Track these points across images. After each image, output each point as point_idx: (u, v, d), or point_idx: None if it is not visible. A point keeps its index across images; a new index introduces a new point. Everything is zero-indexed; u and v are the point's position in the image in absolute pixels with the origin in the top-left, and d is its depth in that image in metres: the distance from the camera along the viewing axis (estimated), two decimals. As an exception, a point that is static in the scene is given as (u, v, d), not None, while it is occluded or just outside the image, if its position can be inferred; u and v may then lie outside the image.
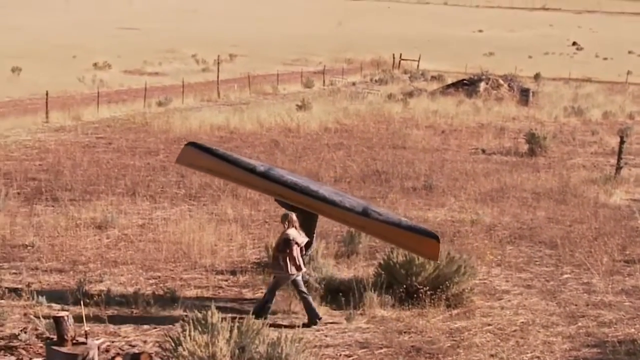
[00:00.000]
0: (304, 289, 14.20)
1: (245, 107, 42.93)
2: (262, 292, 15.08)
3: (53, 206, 21.15)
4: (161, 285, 15.56)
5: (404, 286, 15.07)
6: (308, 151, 30.77)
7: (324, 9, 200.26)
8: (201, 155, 15.11)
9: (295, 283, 14.10)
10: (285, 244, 13.88)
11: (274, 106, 43.59)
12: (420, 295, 14.77)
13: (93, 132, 34.27)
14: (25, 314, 13.75)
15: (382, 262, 15.86)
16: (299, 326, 13.29)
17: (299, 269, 13.97)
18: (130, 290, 15.06)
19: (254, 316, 12.13)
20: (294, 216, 14.07)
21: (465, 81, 55.04)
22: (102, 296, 14.42)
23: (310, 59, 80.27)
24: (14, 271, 16.04)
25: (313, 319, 14.08)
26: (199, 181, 24.35)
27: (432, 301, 14.70)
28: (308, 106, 41.34)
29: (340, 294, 14.78)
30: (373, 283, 15.19)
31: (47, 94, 38.03)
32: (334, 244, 18.17)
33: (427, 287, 14.80)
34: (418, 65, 77.67)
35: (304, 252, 14.26)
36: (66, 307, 13.90)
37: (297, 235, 13.98)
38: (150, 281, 15.88)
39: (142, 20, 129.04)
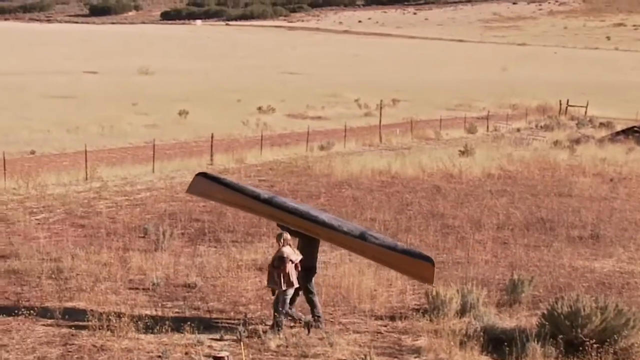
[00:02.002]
0: (286, 307, 14.98)
1: (407, 152, 42.77)
2: (422, 339, 14.81)
3: (215, 247, 21.45)
4: (320, 329, 15.42)
5: (569, 338, 14.47)
6: (470, 197, 30.26)
7: (488, 54, 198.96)
8: (210, 184, 16.10)
9: (282, 299, 14.93)
10: (279, 261, 14.79)
11: (436, 151, 43.22)
12: (586, 348, 14.11)
13: (256, 174, 34.75)
14: (186, 353, 13.88)
15: (545, 312, 15.31)
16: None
17: (291, 285, 14.87)
18: (289, 332, 14.99)
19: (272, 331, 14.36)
20: (288, 235, 15.06)
21: (635, 128, 53.35)
22: (261, 337, 14.44)
23: (474, 105, 79.54)
24: (176, 310, 16.25)
25: (277, 330, 14.84)
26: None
27: (599, 355, 14.01)
28: (471, 152, 40.81)
29: (505, 344, 14.32)
30: (536, 334, 14.64)
31: (212, 137, 38.88)
32: (495, 292, 17.70)
33: (593, 340, 14.14)
34: (586, 112, 75.86)
35: (298, 269, 15.04)
36: (226, 347, 13.96)
37: (292, 253, 14.93)
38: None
39: (305, 65, 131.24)
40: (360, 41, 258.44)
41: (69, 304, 16.29)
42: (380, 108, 59.01)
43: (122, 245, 21.07)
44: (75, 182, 31.25)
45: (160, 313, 15.97)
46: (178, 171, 34.59)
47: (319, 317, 15.59)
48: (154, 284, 17.68)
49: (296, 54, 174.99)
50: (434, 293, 16.28)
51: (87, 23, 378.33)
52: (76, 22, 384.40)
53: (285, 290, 14.90)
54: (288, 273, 14.80)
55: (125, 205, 27.27)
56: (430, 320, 15.74)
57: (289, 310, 15.22)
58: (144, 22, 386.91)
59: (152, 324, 14.90)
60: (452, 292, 16.31)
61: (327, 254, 21.13)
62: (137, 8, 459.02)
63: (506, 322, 16.08)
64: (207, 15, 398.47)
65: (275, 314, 15.02)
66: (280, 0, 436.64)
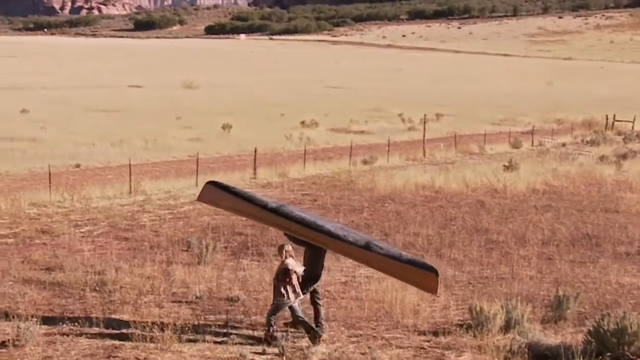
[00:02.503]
0: (300, 313, 15.42)
1: (451, 167, 42.56)
2: (465, 355, 14.67)
3: (258, 261, 21.44)
4: (362, 343, 15.35)
5: (615, 355, 14.26)
6: (515, 212, 29.99)
7: (534, 68, 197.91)
8: (220, 193, 16.28)
9: (292, 309, 15.34)
10: (284, 273, 15.12)
11: (480, 166, 42.96)
12: (633, 366, 13.91)
13: (299, 188, 34.75)
14: (227, 367, 13.86)
15: (591, 329, 15.09)
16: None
17: (297, 295, 15.22)
18: (332, 347, 14.93)
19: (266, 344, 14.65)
20: (289, 247, 15.49)
21: (683, 143, 52.71)
22: (304, 351, 14.40)
23: (519, 119, 79.00)
24: (219, 323, 16.24)
25: (315, 333, 15.22)
26: (403, 240, 24.14)
27: (647, 373, 13.80)
28: (515, 167, 40.50)
29: (548, 362, 14.15)
30: (582, 351, 14.43)
31: (255, 151, 38.97)
32: (540, 308, 17.49)
33: (641, 358, 13.95)
34: (633, 127, 74.98)
35: (300, 280, 15.36)
36: (268, 361, 13.95)
37: (295, 264, 15.27)
38: (352, 339, 15.69)
39: (348, 79, 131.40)
40: (404, 55, 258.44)
41: (113, 317, 16.35)
42: (424, 122, 58.81)
43: (166, 259, 21.14)
44: (120, 196, 31.44)
45: (203, 326, 15.97)
46: (222, 185, 34.60)
47: (306, 323, 15.72)
48: (197, 297, 17.71)
49: (340, 68, 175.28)
50: (478, 308, 16.13)
51: (132, 37, 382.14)
52: (121, 37, 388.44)
53: (289, 301, 15.17)
54: (294, 284, 15.12)
55: (168, 218, 27.39)
56: (474, 336, 15.58)
57: (271, 320, 15.35)
58: (188, 37, 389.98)
59: (195, 337, 14.93)
60: (496, 308, 16.15)
61: (370, 269, 21.00)
62: (181, 22, 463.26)
63: (551, 338, 15.87)
64: (250, 30, 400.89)
65: (298, 323, 15.36)
66: (324, 15, 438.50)
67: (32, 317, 15.58)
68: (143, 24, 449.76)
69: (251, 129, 57.91)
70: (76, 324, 15.57)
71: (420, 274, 14.57)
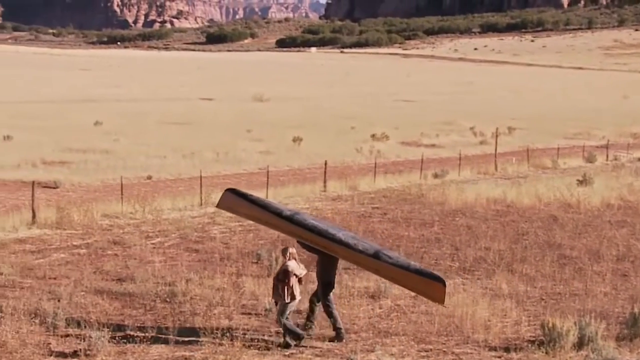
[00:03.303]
0: (288, 316, 15.69)
1: (523, 181, 42.06)
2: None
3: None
4: (432, 358, 15.18)
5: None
6: (588, 228, 29.48)
7: (609, 81, 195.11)
8: (238, 200, 16.76)
9: (282, 310, 15.67)
10: (284, 274, 15.55)
11: (553, 180, 42.36)
12: None
13: (369, 202, 34.62)
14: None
15: (669, 348, 14.73)
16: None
17: (294, 298, 15.61)
18: (402, 362, 14.80)
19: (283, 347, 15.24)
20: (293, 250, 15.88)
21: None
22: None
23: (593, 133, 77.83)
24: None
25: (295, 338, 15.55)
26: (474, 254, 23.90)
27: None
28: (589, 181, 39.85)
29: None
30: (659, 370, 14.09)
31: (325, 164, 38.94)
32: (615, 325, 17.13)
33: None
34: None
35: (301, 283, 16.00)
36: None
37: (296, 267, 15.67)
38: (422, 354, 15.54)
39: (419, 92, 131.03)
40: (476, 68, 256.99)
41: (183, 328, 16.41)
42: (496, 136, 58.28)
43: (236, 271, 21.20)
44: (190, 207, 31.66)
45: (273, 338, 15.96)
46: (291, 197, 34.74)
47: (339, 329, 16.05)
48: (266, 310, 17.69)
49: (410, 81, 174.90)
50: (550, 325, 15.85)
51: (204, 51, 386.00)
52: (193, 50, 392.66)
53: (288, 303, 15.55)
54: (292, 286, 15.50)
55: (238, 230, 27.49)
56: (546, 353, 15.34)
57: (287, 322, 15.63)
58: (259, 50, 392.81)
59: (265, 349, 14.90)
60: (569, 325, 15.86)
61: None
62: (252, 36, 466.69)
63: (626, 356, 15.54)
64: (321, 43, 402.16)
65: (283, 326, 15.68)
66: (396, 28, 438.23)
67: (103, 327, 15.73)
68: (215, 37, 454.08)
69: (321, 142, 57.99)
70: (147, 334, 15.67)
71: (428, 284, 14.90)
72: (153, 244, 24.93)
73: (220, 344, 14.76)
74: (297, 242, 16.46)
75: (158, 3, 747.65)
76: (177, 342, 15.47)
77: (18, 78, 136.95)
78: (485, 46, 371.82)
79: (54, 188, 36.84)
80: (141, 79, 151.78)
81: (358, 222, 29.06)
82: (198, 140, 56.67)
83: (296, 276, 15.63)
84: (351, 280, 20.33)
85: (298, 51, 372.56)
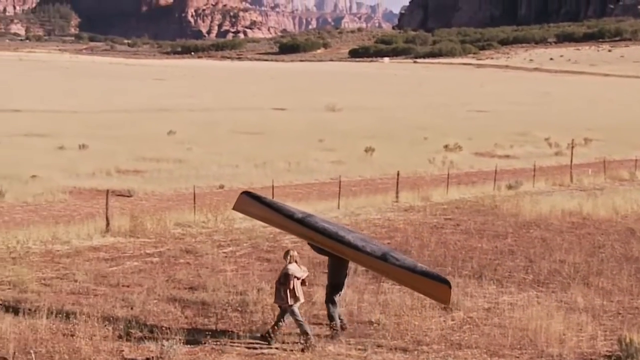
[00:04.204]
0: (300, 317, 16.07)
1: (600, 193, 41.33)
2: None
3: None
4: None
5: None
6: (667, 241, 28.82)
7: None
8: (253, 203, 17.34)
9: (292, 312, 15.99)
10: (285, 277, 15.90)
11: (631, 193, 41.51)
12: None
13: (441, 213, 34.34)
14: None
15: None
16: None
17: (297, 300, 15.95)
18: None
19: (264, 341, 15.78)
20: (295, 253, 16.31)
21: None
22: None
23: (673, 144, 76.20)
24: (359, 347, 16.14)
25: (308, 339, 15.78)
26: (548, 267, 23.53)
27: None
28: (668, 194, 39.00)
29: None
30: None
31: (397, 174, 38.74)
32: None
33: None
34: None
35: (306, 284, 16.50)
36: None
37: (297, 270, 16.03)
38: (495, 368, 15.30)
39: (493, 103, 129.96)
40: (552, 79, 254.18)
41: (254, 337, 16.40)
42: (572, 147, 57.38)
43: (307, 280, 21.11)
44: (263, 217, 31.66)
45: (343, 350, 15.87)
46: (363, 208, 34.62)
47: (336, 331, 16.52)
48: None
49: (484, 91, 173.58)
50: (628, 340, 15.50)
51: (277, 61, 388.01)
52: (266, 60, 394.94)
53: (291, 305, 15.89)
54: (294, 289, 15.88)
55: (310, 240, 27.39)
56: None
57: (301, 322, 16.11)
58: (332, 60, 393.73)
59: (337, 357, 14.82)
60: (648, 340, 15.47)
61: (514, 295, 20.56)
62: (325, 46, 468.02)
63: None
64: (394, 53, 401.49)
65: (299, 326, 16.08)
66: (470, 38, 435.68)
67: (175, 335, 15.80)
68: (288, 47, 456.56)
69: (394, 152, 57.76)
70: (218, 342, 15.70)
71: (433, 285, 15.27)
72: (225, 253, 25.01)
73: (292, 354, 14.70)
74: (308, 243, 16.92)
75: (232, 13, 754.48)
76: (248, 351, 15.47)
77: (94, 88, 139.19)
78: (562, 56, 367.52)
79: (128, 196, 37.26)
80: (214, 88, 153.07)
81: (430, 234, 28.83)
82: (270, 150, 56.88)
83: (297, 278, 15.96)
84: (423, 292, 20.11)
85: (371, 61, 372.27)
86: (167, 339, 15.41)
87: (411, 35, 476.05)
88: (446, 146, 63.17)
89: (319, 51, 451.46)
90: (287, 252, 16.39)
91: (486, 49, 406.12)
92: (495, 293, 20.84)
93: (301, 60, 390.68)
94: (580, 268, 23.55)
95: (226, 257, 24.41)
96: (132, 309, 18.24)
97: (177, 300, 19.16)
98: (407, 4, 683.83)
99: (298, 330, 16.16)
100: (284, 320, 16.25)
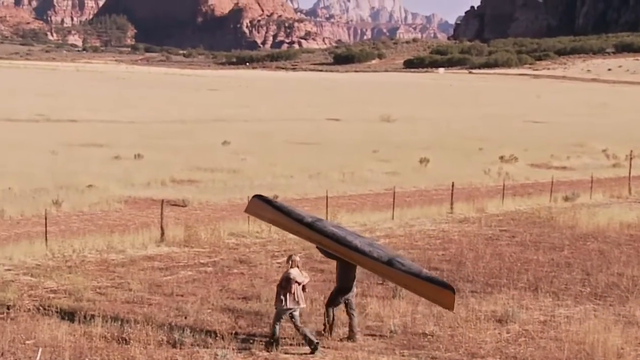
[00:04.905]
0: (299, 322, 16.32)
1: (658, 205, 40.69)
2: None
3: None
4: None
5: None
6: None
7: None
8: (264, 206, 17.73)
9: (292, 316, 16.28)
10: (286, 281, 16.18)
11: (691, 205, 40.83)
12: None
13: (497, 224, 34.04)
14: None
15: None
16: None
17: (297, 304, 16.23)
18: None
19: (266, 348, 15.83)
20: (297, 257, 16.67)
21: None
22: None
23: None
24: (413, 359, 16.02)
25: (312, 345, 16.03)
26: (606, 280, 23.19)
27: None
28: None
29: None
30: None
31: (452, 185, 38.50)
32: None
33: None
34: None
35: (306, 290, 16.67)
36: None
37: (298, 274, 16.29)
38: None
39: (550, 114, 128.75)
40: (610, 89, 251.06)
41: (306, 348, 16.35)
42: (630, 159, 56.59)
43: (360, 292, 21.02)
44: (317, 227, 31.63)
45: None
46: (417, 219, 34.45)
47: (329, 332, 16.95)
48: (391, 332, 17.53)
49: (541, 102, 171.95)
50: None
51: (331, 71, 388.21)
52: (320, 70, 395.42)
53: (290, 308, 16.16)
54: (294, 293, 16.15)
55: (364, 251, 27.29)
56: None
57: (276, 327, 16.35)
58: (387, 70, 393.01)
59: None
60: None
61: (571, 308, 20.29)
62: (380, 56, 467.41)
63: None
64: (450, 63, 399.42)
65: (301, 333, 16.30)
66: (526, 49, 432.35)
67: (229, 344, 15.81)
68: (342, 58, 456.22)
69: (448, 163, 57.42)
70: (271, 353, 15.67)
71: (438, 291, 15.62)
72: (279, 263, 25.02)
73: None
74: (317, 247, 17.40)
75: (286, 24, 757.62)
76: (300, 362, 15.43)
77: (150, 98, 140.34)
78: (620, 66, 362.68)
79: (183, 206, 37.46)
80: (269, 99, 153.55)
81: (485, 245, 28.59)
82: (324, 160, 56.86)
83: (298, 283, 16.24)
84: (478, 304, 19.98)
85: (426, 72, 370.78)
86: (221, 349, 15.43)
87: (467, 46, 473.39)
88: (502, 157, 62.61)
89: (373, 62, 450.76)
90: (289, 257, 16.73)
91: (543, 60, 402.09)
92: (552, 306, 20.58)
93: (356, 71, 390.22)
94: (639, 281, 23.18)
95: (280, 267, 24.39)
96: (185, 318, 18.33)
97: (231, 310, 19.20)
98: (463, 14, 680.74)
99: (301, 332, 16.45)
100: (296, 323, 16.49)
